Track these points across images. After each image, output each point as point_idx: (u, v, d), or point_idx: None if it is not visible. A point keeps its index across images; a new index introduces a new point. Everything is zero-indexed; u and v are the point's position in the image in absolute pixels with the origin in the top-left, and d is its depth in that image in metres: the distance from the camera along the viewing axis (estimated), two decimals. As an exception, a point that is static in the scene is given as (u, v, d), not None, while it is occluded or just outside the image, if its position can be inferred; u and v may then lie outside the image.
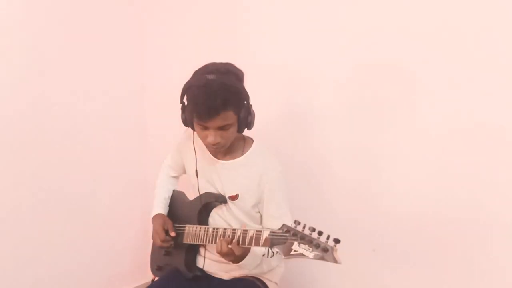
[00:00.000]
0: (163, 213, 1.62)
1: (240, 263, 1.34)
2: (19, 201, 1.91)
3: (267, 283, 1.55)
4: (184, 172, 1.68)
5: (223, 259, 1.49)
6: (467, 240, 1.51)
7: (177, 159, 1.67)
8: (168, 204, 1.68)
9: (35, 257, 1.99)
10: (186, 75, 1.38)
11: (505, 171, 1.41)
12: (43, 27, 1.92)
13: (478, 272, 1.51)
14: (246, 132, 1.47)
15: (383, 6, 1.59)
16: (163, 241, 1.53)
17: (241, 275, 1.53)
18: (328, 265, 1.78)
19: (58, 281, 2.08)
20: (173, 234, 1.53)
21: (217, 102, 1.27)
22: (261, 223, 1.51)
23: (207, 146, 1.43)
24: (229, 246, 1.29)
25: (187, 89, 1.35)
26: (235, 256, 1.30)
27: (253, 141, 1.51)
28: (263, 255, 1.41)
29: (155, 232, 1.56)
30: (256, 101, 1.42)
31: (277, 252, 1.41)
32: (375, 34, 1.62)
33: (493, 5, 1.39)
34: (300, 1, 1.78)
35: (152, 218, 1.61)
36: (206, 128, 1.34)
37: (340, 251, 1.09)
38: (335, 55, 1.72)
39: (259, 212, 1.49)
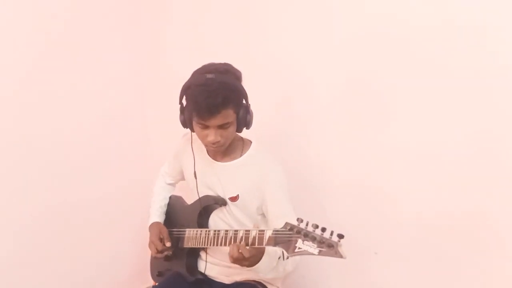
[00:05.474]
0: (159, 221, 1.63)
1: (255, 266, 1.27)
2: (18, 205, 1.88)
3: (269, 287, 1.53)
4: (181, 179, 1.69)
5: (224, 263, 1.49)
6: (469, 244, 1.49)
7: (174, 165, 1.67)
8: (165, 212, 1.68)
9: (34, 262, 1.96)
10: (186, 77, 1.38)
11: (506, 177, 1.40)
12: (44, 26, 1.90)
13: (479, 276, 1.49)
14: (245, 135, 1.47)
15: (383, 8, 1.60)
16: (159, 251, 1.52)
17: (242, 279, 1.52)
18: (329, 268, 1.80)
19: (58, 287, 2.05)
20: (168, 244, 1.52)
21: (217, 100, 1.28)
22: (262, 225, 1.49)
23: (206, 146, 1.43)
24: (240, 250, 1.23)
25: (186, 89, 1.35)
26: (249, 259, 1.24)
27: (251, 142, 1.51)
28: (279, 257, 1.35)
29: (151, 242, 1.55)
30: (254, 102, 1.42)
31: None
32: (375, 36, 1.62)
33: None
34: (299, 3, 1.79)
35: (149, 227, 1.61)
36: (206, 127, 1.34)
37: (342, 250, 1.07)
38: (334, 56, 1.72)
39: (262, 214, 1.48)
